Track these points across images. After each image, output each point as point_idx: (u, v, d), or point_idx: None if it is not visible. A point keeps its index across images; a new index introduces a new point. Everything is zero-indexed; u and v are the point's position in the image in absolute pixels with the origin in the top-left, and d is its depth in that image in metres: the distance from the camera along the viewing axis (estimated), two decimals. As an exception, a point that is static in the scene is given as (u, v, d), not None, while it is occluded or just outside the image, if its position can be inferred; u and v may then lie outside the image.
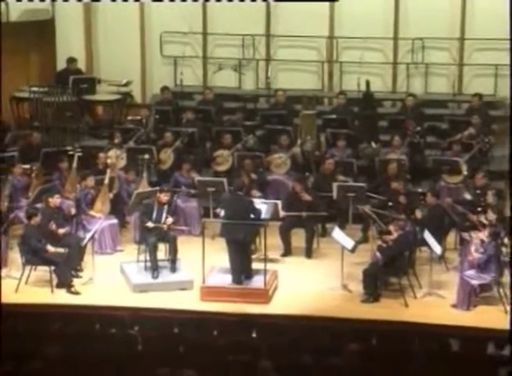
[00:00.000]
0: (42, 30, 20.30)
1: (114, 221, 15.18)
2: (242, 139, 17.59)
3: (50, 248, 13.55)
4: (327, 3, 19.70)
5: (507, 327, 12.23)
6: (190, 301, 13.25)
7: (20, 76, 19.81)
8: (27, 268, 13.62)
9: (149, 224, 14.00)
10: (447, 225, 14.40)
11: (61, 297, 13.40)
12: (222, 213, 13.96)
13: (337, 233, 13.96)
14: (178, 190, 15.48)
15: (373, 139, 17.67)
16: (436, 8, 19.31)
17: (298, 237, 14.98)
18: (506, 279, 13.29)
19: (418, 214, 14.35)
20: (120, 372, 9.96)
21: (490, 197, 14.71)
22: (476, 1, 19.26)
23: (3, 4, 19.27)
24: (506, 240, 13.64)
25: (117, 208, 15.44)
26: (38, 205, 14.55)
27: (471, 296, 12.98)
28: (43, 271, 13.68)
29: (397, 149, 17.08)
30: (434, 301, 13.30)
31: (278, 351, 10.60)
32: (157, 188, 14.96)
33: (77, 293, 13.48)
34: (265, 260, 13.49)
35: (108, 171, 15.69)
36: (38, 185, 15.73)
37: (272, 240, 14.22)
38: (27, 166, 16.27)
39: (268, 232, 13.88)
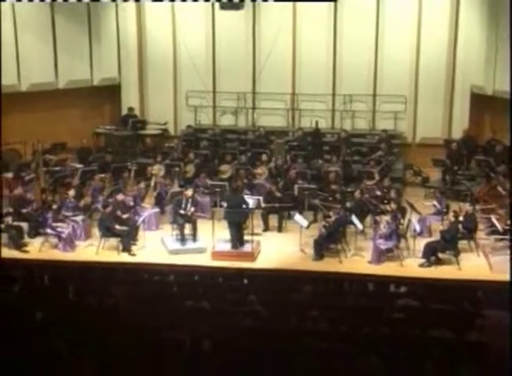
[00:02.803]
0: (112, 91, 20.33)
1: (157, 210, 15.16)
2: (237, 158, 17.65)
3: (117, 227, 13.60)
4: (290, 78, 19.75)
5: (402, 274, 12.44)
6: (205, 260, 13.25)
7: (99, 119, 19.83)
8: (103, 239, 13.66)
9: (181, 211, 14.05)
10: (366, 211, 14.41)
11: (124, 257, 13.45)
12: (225, 204, 13.98)
13: (298, 217, 14.03)
14: (197, 190, 15.47)
15: (320, 158, 17.74)
16: (358, 76, 19.31)
17: (273, 219, 14.93)
18: (401, 245, 13.37)
19: (348, 204, 14.42)
20: (162, 304, 10.03)
21: (392, 194, 14.78)
22: (384, 71, 19.28)
23: (89, 74, 19.33)
24: (402, 221, 13.76)
25: (159, 202, 15.42)
26: (110, 200, 14.57)
27: (381, 256, 13.06)
28: (113, 241, 13.70)
29: (334, 164, 17.10)
30: (358, 259, 13.32)
31: (260, 291, 10.71)
32: (184, 189, 14.98)
33: (134, 255, 13.53)
34: (252, 234, 13.56)
35: (153, 178, 15.75)
36: (109, 187, 15.79)
37: (256, 222, 14.22)
38: (103, 175, 16.30)
39: (254, 216, 13.94)
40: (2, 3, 17.17)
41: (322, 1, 18.65)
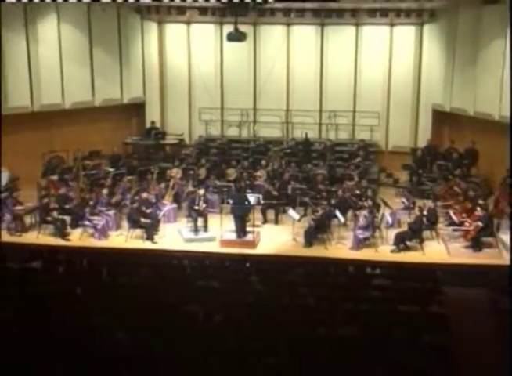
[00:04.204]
0: (138, 108, 20.27)
1: (175, 206, 15.08)
2: (241, 163, 17.59)
3: (142, 220, 13.55)
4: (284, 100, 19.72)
5: (377, 259, 12.40)
6: (214, 248, 13.20)
7: (127, 131, 19.78)
8: (130, 230, 13.62)
9: (194, 207, 14.02)
10: (347, 207, 14.33)
11: (148, 245, 13.39)
12: (231, 201, 13.96)
13: (291, 211, 13.98)
14: (208, 190, 15.36)
15: (309, 163, 17.71)
16: (341, 95, 19.35)
17: (271, 213, 14.89)
18: (376, 234, 13.33)
19: (332, 201, 14.37)
20: (178, 283, 10.03)
21: (369, 192, 14.74)
22: (362, 92, 19.31)
23: (119, 94, 19.30)
24: (376, 215, 13.72)
25: (177, 199, 15.33)
26: (136, 197, 14.48)
27: (359, 243, 13.01)
28: (139, 231, 13.65)
29: (321, 168, 17.08)
30: (341, 246, 13.26)
31: (260, 272, 10.69)
32: (197, 188, 14.92)
33: (156, 243, 13.46)
34: (253, 225, 13.52)
35: (172, 180, 15.68)
36: (136, 187, 15.74)
37: (257, 215, 14.14)
38: (130, 177, 16.26)
39: (255, 211, 13.87)
40: (50, 36, 17.25)
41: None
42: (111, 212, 14.18)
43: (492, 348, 8.21)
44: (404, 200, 14.71)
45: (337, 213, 13.58)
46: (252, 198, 13.99)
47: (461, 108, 17.47)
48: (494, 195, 14.81)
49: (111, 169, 16.83)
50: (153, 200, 14.48)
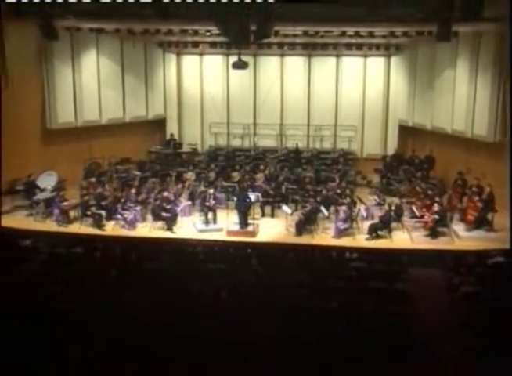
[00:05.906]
0: (160, 123, 20.16)
1: (189, 203, 15.00)
2: (243, 168, 17.53)
3: (163, 214, 13.56)
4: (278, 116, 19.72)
5: (354, 245, 12.39)
6: (221, 237, 13.16)
7: (151, 142, 19.59)
8: (154, 222, 13.63)
9: (205, 203, 14.00)
10: (330, 203, 14.24)
11: (168, 234, 13.35)
12: (235, 199, 13.94)
13: (284, 207, 13.99)
14: (216, 189, 15.27)
15: (299, 167, 17.61)
16: (325, 112, 19.29)
17: (268, 209, 14.81)
18: (354, 226, 13.30)
19: (318, 198, 14.32)
20: (192, 266, 10.04)
21: (347, 191, 14.76)
22: (342, 109, 19.26)
23: (145, 112, 19.22)
24: (354, 210, 13.67)
25: (191, 197, 15.24)
26: (158, 196, 14.42)
27: (340, 233, 12.97)
28: (160, 223, 13.64)
29: (309, 171, 17.00)
30: (325, 235, 13.20)
31: (259, 257, 10.64)
32: (207, 188, 14.88)
33: (174, 233, 13.42)
34: (253, 219, 13.53)
35: (187, 181, 15.72)
36: (158, 187, 15.64)
37: (256, 210, 14.12)
38: (154, 179, 16.14)
39: (255, 207, 13.88)
40: (88, 65, 17.29)
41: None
42: (138, 208, 14.17)
43: (444, 316, 8.27)
44: (376, 197, 14.73)
45: (322, 208, 13.59)
46: (252, 196, 13.98)
47: (421, 123, 17.56)
48: (447, 193, 14.84)
49: (138, 173, 16.79)
50: (172, 198, 14.44)
